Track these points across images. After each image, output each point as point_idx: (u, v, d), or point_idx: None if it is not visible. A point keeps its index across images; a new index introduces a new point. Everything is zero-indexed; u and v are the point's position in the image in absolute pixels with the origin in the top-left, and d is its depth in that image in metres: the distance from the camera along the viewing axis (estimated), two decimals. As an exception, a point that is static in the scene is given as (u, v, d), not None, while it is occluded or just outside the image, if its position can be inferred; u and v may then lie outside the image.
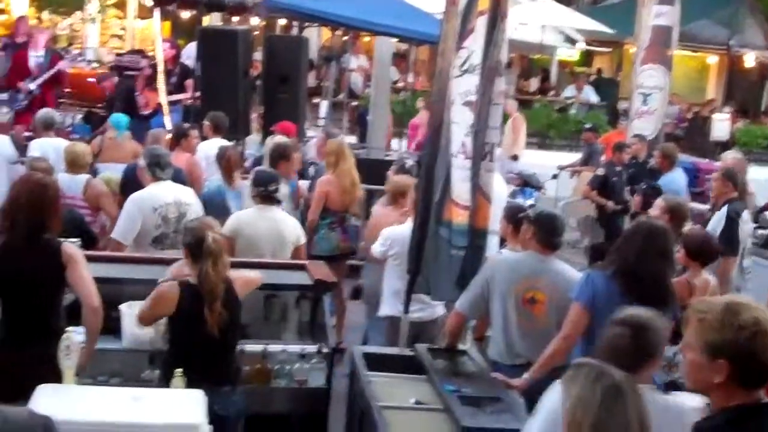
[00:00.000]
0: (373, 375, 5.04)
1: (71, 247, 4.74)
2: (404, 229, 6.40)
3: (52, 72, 12.65)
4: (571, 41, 23.87)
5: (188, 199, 6.56)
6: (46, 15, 17.52)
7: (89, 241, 6.22)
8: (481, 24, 5.51)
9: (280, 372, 5.29)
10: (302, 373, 5.29)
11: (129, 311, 5.16)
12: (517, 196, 11.09)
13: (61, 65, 12.92)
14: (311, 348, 5.39)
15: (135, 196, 6.51)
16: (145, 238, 6.39)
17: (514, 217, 5.94)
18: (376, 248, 6.67)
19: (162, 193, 6.47)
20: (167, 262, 5.90)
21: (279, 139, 8.26)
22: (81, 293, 4.58)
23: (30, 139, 9.49)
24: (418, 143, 13.62)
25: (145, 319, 4.80)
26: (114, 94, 12.52)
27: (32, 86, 12.48)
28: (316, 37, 20.72)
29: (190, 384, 4.36)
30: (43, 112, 9.31)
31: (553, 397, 3.23)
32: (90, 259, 5.10)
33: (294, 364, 5.29)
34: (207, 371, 4.53)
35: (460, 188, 5.55)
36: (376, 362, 5.24)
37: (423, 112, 14.37)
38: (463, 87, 5.62)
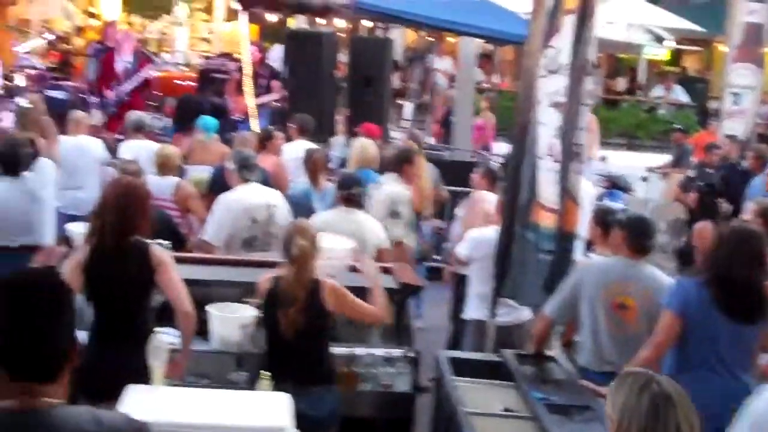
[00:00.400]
0: (460, 380, 4.99)
1: (160, 249, 4.79)
2: (489, 231, 6.34)
3: (139, 79, 12.89)
4: (659, 40, 23.41)
5: (276, 202, 6.62)
6: (136, 19, 17.87)
7: (178, 242, 6.30)
8: (568, 23, 5.42)
9: (366, 376, 5.27)
10: (388, 378, 5.27)
11: (217, 313, 5.20)
12: (605, 199, 10.89)
13: (148, 71, 13.15)
14: (397, 352, 5.36)
15: (224, 198, 6.58)
16: (236, 240, 6.45)
17: (603, 220, 5.83)
18: (461, 251, 6.62)
19: (251, 195, 6.53)
20: (255, 264, 5.97)
21: (364, 141, 8.25)
22: (171, 297, 4.63)
23: (120, 141, 9.69)
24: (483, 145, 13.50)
25: None
26: (202, 97, 12.67)
27: (122, 93, 12.73)
28: (401, 38, 20.70)
29: (276, 384, 4.39)
30: (134, 115, 9.48)
31: (761, 403, 3.19)
32: (179, 260, 5.17)
33: (379, 368, 5.26)
34: (292, 372, 4.57)
35: (548, 191, 5.47)
36: (462, 367, 5.19)
37: (485, 113, 14.26)
38: (550, 87, 5.54)
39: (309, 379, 4.65)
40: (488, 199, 7.36)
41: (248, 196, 6.52)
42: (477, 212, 7.26)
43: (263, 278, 4.81)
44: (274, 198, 6.66)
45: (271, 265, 6.00)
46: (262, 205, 6.51)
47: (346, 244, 5.91)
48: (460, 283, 7.04)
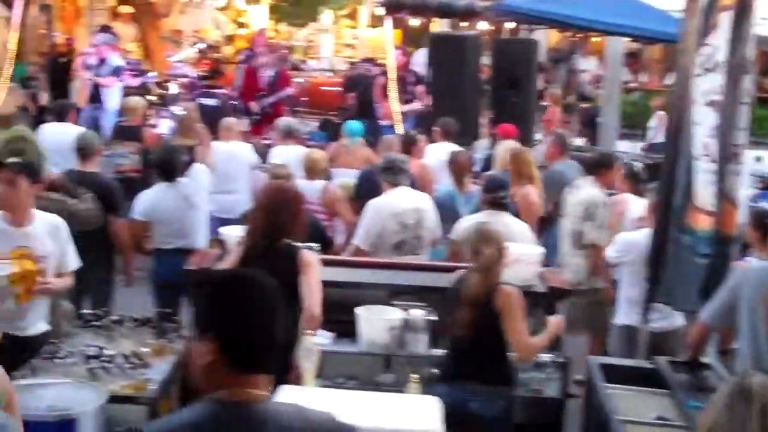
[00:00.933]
0: (611, 387, 4.88)
1: (309, 254, 4.85)
2: (640, 234, 6.18)
3: (280, 96, 13.19)
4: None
5: (424, 205, 6.64)
6: (283, 28, 18.27)
7: (325, 245, 6.38)
8: (725, 19, 5.23)
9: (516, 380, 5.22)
10: (538, 383, 5.21)
11: (366, 315, 5.25)
12: (761, 200, 10.46)
13: (289, 90, 13.44)
14: (546, 357, 5.28)
15: (375, 202, 6.65)
16: (385, 243, 6.51)
17: (760, 223, 5.60)
18: (610, 253, 6.48)
19: (400, 199, 6.57)
20: (402, 267, 6.01)
21: (509, 143, 8.18)
22: (305, 298, 4.67)
23: (268, 146, 9.92)
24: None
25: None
26: (347, 102, 12.86)
27: (264, 104, 13.05)
28: (544, 39, 20.45)
29: (450, 383, 4.44)
30: (284, 121, 9.69)
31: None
32: (327, 263, 5.25)
33: (529, 373, 5.20)
34: (465, 371, 4.64)
35: (704, 193, 5.28)
36: (613, 373, 5.08)
37: (552, 107, 13.86)
38: (706, 86, 5.35)
39: (482, 380, 4.68)
40: (628, 202, 7.18)
41: (397, 201, 6.56)
42: (616, 216, 7.09)
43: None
44: (423, 202, 6.68)
45: (418, 267, 6.05)
46: (410, 209, 6.54)
47: (536, 250, 5.88)
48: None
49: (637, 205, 7.07)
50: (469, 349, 4.69)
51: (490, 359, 4.76)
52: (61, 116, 9.39)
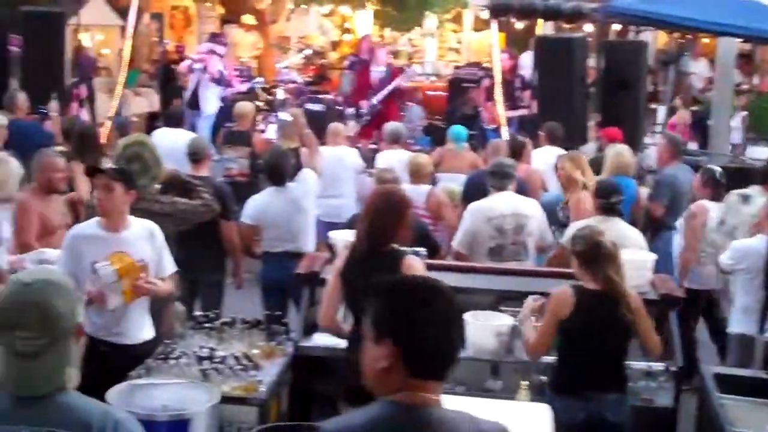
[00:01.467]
0: (726, 398, 4.75)
1: (414, 258, 4.84)
2: (757, 241, 6.00)
3: (391, 87, 13.22)
4: None
5: (529, 211, 6.55)
6: (387, 33, 18.36)
7: (432, 250, 6.38)
8: None
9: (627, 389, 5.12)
10: (649, 392, 5.09)
11: (473, 320, 5.22)
12: None
13: (400, 80, 13.46)
14: (658, 366, 5.17)
15: (471, 207, 6.63)
16: (481, 248, 6.47)
17: None
18: (724, 260, 6.31)
19: (499, 203, 6.52)
20: (509, 273, 5.97)
21: (619, 147, 8.02)
22: None
23: (375, 150, 9.98)
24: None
25: (545, 326, 4.81)
26: (452, 106, 12.84)
27: (374, 101, 13.11)
28: (652, 40, 20.05)
29: (575, 389, 4.41)
30: (392, 125, 9.74)
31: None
32: (432, 268, 5.25)
33: (640, 382, 5.09)
34: (597, 377, 4.59)
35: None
36: (728, 383, 4.94)
37: (681, 111, 13.48)
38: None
39: (609, 386, 4.65)
40: (708, 210, 6.94)
41: (495, 205, 6.51)
42: (695, 226, 6.87)
43: (560, 290, 4.77)
44: (527, 207, 6.59)
45: (526, 273, 5.99)
46: (508, 214, 6.47)
47: (648, 256, 5.78)
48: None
49: (715, 211, 6.89)
50: (597, 356, 4.64)
51: (614, 366, 4.73)
52: (173, 122, 9.63)
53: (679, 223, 7.29)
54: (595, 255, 4.66)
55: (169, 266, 5.12)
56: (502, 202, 6.54)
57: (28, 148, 7.72)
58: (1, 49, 11.62)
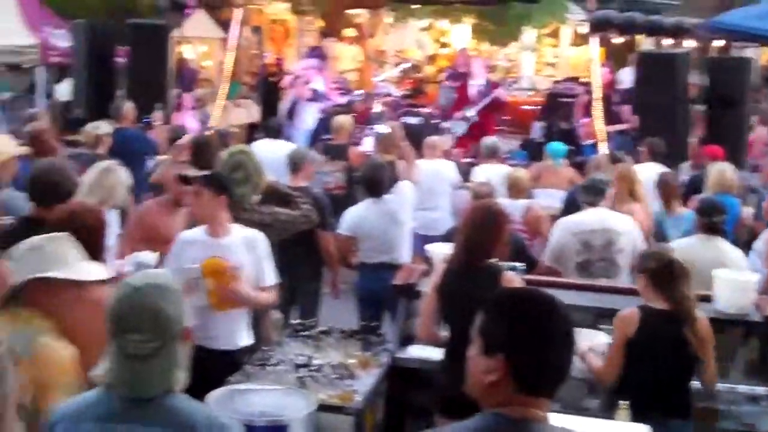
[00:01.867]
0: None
1: (511, 274, 4.83)
2: None
3: (489, 99, 13.18)
4: None
5: (621, 228, 6.41)
6: (485, 47, 18.30)
7: (529, 265, 6.34)
8: None
9: (727, 413, 4.99)
10: (751, 417, 4.95)
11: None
12: None
13: (498, 93, 13.41)
14: (762, 390, 5.02)
15: (560, 221, 6.63)
16: (568, 263, 6.39)
17: None
18: None
19: (588, 218, 6.43)
20: (607, 290, 5.87)
21: (722, 165, 7.85)
22: None
23: (471, 164, 9.96)
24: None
25: (613, 347, 4.70)
26: (550, 121, 12.73)
27: (470, 113, 13.09)
28: (756, 56, 19.58)
29: (637, 413, 4.27)
30: (489, 140, 9.73)
31: None
32: (530, 283, 5.20)
33: (742, 406, 4.96)
34: (660, 400, 4.46)
35: None
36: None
37: (760, 128, 13.01)
38: None
39: (670, 412, 4.51)
40: None
41: (583, 220, 6.43)
42: None
43: (626, 310, 4.68)
44: (620, 224, 6.47)
45: (625, 291, 5.89)
46: (598, 230, 6.36)
47: (752, 277, 5.65)
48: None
49: None
50: (659, 380, 4.53)
51: (677, 391, 4.61)
52: (272, 133, 9.77)
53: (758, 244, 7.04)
54: (668, 274, 4.55)
55: (270, 277, 5.17)
56: (592, 218, 6.45)
57: (133, 157, 7.95)
58: (108, 60, 12.00)
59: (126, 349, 2.62)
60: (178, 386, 2.68)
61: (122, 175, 5.93)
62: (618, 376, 4.64)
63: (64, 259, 3.43)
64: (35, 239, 3.47)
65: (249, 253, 5.06)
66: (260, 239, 5.14)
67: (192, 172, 5.78)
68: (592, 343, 4.90)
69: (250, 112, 15.11)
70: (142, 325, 2.61)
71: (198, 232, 5.13)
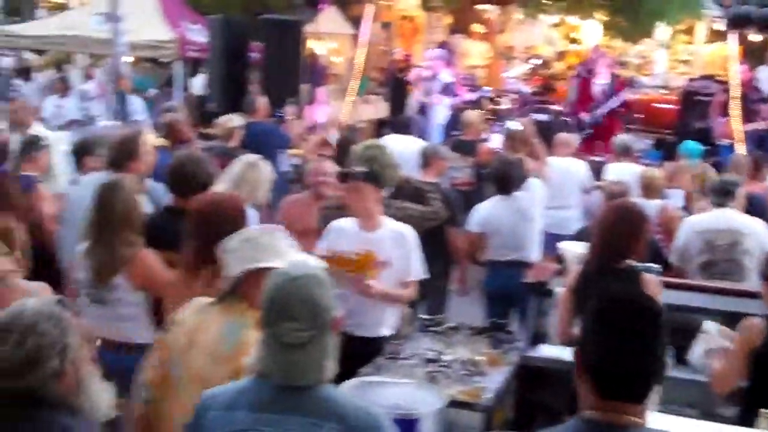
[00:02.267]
0: None
1: (651, 277, 4.73)
2: None
3: (617, 101, 12.95)
4: None
5: (748, 229, 6.24)
6: (617, 44, 17.94)
7: (665, 267, 6.19)
8: None
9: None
10: None
11: (705, 344, 5.00)
12: None
13: (625, 94, 13.16)
14: None
15: (686, 220, 6.56)
16: (691, 262, 6.27)
17: None
18: None
19: (713, 219, 6.31)
20: (734, 293, 5.68)
21: None
22: None
23: (599, 163, 9.80)
24: None
25: (732, 358, 4.56)
26: (684, 120, 12.42)
27: (597, 115, 12.89)
28: None
29: None
30: (622, 138, 9.57)
31: None
32: (667, 285, 5.09)
33: None
34: None
35: None
36: None
37: None
38: None
39: None
40: None
41: (709, 221, 6.31)
42: None
43: (749, 320, 4.50)
44: (747, 224, 6.28)
45: (749, 295, 5.70)
46: (723, 230, 6.22)
47: None
48: None
49: None
50: None
51: None
52: (401, 129, 9.81)
53: None
54: None
55: (416, 272, 5.25)
56: (717, 218, 6.31)
57: (265, 150, 8.10)
58: (242, 54, 12.26)
59: (282, 337, 2.64)
60: (329, 376, 2.70)
61: (266, 171, 5.98)
62: (747, 387, 4.49)
63: (278, 249, 3.50)
64: (249, 231, 3.55)
65: (398, 247, 5.16)
66: (409, 233, 5.23)
67: (344, 169, 5.86)
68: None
69: (378, 108, 15.24)
70: (300, 314, 2.64)
71: (350, 222, 5.24)
